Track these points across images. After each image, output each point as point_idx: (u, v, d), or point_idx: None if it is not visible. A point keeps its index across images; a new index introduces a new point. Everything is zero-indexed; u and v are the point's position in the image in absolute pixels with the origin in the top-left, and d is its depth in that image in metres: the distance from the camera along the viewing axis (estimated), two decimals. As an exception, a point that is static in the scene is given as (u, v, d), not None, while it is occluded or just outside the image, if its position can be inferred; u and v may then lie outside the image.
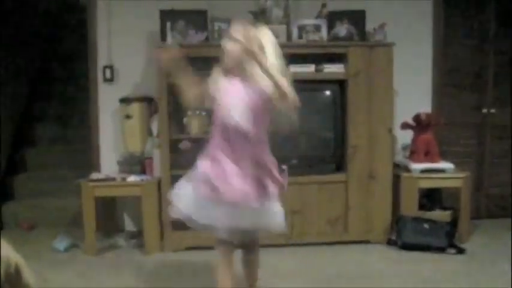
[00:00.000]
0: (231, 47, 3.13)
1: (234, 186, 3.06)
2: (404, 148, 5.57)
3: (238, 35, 3.11)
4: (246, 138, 3.10)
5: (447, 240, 4.95)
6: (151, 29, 5.33)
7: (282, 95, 2.98)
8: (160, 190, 5.01)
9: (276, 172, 3.22)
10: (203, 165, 3.20)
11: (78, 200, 5.07)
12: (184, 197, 3.27)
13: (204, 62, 5.01)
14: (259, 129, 3.14)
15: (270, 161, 3.22)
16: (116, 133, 5.58)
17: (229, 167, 3.10)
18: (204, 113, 5.05)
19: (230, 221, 3.11)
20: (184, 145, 5.13)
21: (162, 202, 5.01)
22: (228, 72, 3.20)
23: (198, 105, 3.39)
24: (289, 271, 4.49)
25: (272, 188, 3.18)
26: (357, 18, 5.22)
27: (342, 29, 5.13)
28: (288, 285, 4.14)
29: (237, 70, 3.14)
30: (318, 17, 5.29)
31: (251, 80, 3.08)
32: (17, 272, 1.34)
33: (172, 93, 5.00)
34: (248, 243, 3.44)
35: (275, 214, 3.25)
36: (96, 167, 5.59)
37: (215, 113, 3.22)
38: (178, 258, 4.86)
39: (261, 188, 3.14)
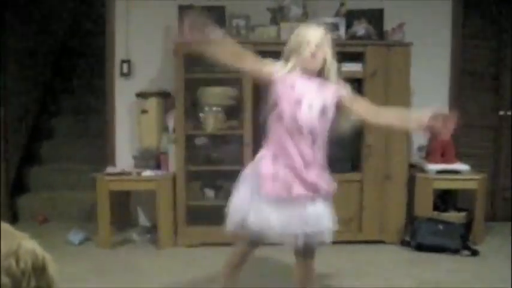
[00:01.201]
0: (319, 52, 3.06)
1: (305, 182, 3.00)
2: (420, 149, 5.56)
3: (322, 40, 3.08)
4: (312, 138, 3.03)
5: (461, 241, 4.93)
6: (169, 24, 5.35)
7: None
8: (175, 185, 5.03)
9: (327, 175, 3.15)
10: (266, 164, 3.07)
11: (93, 193, 5.09)
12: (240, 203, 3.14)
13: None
14: (324, 130, 3.09)
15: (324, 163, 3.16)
16: (131, 127, 5.60)
17: (297, 164, 3.00)
18: (220, 110, 5.06)
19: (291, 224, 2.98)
20: (200, 141, 5.15)
21: (176, 197, 5.03)
22: (303, 71, 3.09)
23: (233, 64, 3.16)
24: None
25: (324, 191, 3.11)
26: (375, 17, 5.20)
27: (360, 28, 5.11)
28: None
29: (317, 72, 3.09)
30: (336, 15, 5.28)
31: (327, 81, 3.07)
32: (44, 265, 1.35)
33: (189, 89, 5.04)
34: (306, 249, 3.16)
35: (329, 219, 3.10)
36: (112, 161, 5.62)
37: (278, 108, 3.07)
38: (192, 254, 4.87)
39: (317, 190, 3.06)
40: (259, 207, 3.00)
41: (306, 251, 3.14)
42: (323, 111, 3.02)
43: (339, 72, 3.15)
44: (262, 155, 3.12)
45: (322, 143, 3.08)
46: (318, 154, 3.07)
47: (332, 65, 3.08)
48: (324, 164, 3.15)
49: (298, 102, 3.00)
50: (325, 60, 3.07)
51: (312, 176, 3.01)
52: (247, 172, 3.17)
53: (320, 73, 3.08)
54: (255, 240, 3.19)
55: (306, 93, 3.02)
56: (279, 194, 2.96)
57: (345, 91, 3.09)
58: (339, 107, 3.08)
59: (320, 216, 3.04)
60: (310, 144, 3.02)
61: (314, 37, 3.06)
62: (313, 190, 3.02)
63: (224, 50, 3.13)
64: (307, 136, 3.00)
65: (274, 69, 3.12)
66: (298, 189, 2.97)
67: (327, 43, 3.07)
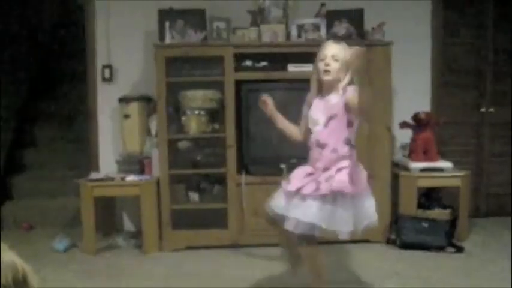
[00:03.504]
0: (332, 64, 3.34)
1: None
2: (403, 147, 5.57)
3: (338, 52, 3.36)
4: (322, 148, 3.37)
5: (446, 239, 4.95)
6: (150, 28, 5.35)
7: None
8: (159, 189, 5.02)
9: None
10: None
11: (77, 199, 5.06)
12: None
13: (202, 62, 5.06)
14: (338, 138, 3.37)
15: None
16: (114, 133, 5.58)
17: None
18: (202, 113, 5.05)
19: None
20: (183, 145, 5.15)
21: (161, 201, 5.02)
22: (321, 89, 3.44)
23: (302, 141, 3.62)
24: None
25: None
26: (355, 17, 5.21)
27: (341, 28, 5.12)
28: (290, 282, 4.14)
29: (331, 85, 3.38)
30: (316, 16, 5.30)
31: (339, 92, 3.35)
32: (24, 278, 1.34)
33: (171, 93, 5.04)
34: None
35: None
36: (95, 167, 5.59)
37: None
38: (177, 258, 4.86)
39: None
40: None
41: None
42: (328, 121, 3.36)
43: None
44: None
45: (334, 150, 3.35)
46: (331, 158, 3.37)
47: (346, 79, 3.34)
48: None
49: (308, 119, 3.48)
50: (342, 73, 3.33)
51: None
52: None
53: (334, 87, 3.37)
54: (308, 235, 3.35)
55: (314, 110, 3.45)
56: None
57: (350, 96, 3.25)
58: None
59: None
60: (320, 152, 3.39)
61: (328, 51, 3.37)
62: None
63: (291, 133, 3.68)
64: (318, 146, 3.39)
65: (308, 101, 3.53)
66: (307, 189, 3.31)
67: (342, 56, 3.32)
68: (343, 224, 3.24)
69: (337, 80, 3.33)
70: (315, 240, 3.35)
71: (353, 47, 3.20)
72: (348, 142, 3.36)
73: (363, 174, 3.42)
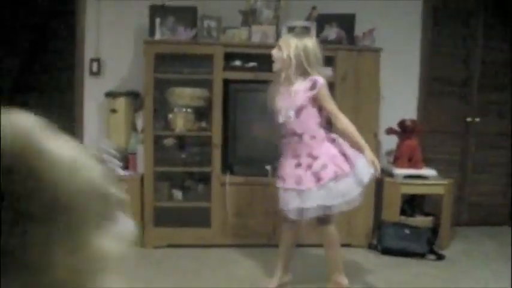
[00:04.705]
0: (277, 54, 3.70)
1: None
2: (388, 153, 5.59)
3: (281, 42, 3.73)
4: (300, 137, 3.66)
5: (427, 246, 4.97)
6: (141, 23, 5.32)
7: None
8: (143, 186, 4.99)
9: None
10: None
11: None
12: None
13: (192, 59, 5.05)
14: (308, 124, 3.66)
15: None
16: (100, 127, 5.54)
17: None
18: (189, 111, 5.04)
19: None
20: (169, 142, 5.13)
21: (144, 198, 5.00)
22: (281, 79, 3.71)
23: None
24: (270, 272, 4.48)
25: (308, 182, 3.63)
26: (346, 21, 5.22)
27: (332, 32, 5.14)
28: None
29: (288, 76, 3.66)
30: (307, 19, 5.30)
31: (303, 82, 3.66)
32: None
33: (158, 89, 5.02)
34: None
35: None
36: (79, 161, 5.54)
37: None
38: (159, 255, 4.84)
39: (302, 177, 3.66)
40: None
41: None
42: (298, 112, 3.63)
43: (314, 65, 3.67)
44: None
45: (310, 136, 3.65)
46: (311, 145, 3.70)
47: (293, 61, 3.61)
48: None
49: (279, 111, 3.72)
50: (286, 60, 3.62)
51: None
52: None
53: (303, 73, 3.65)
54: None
55: (283, 100, 3.70)
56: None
57: (317, 88, 3.62)
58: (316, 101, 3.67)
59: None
60: (295, 139, 3.69)
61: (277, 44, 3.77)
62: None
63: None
64: (290, 133, 3.68)
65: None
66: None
67: (285, 45, 3.65)
68: (353, 190, 3.62)
69: (287, 69, 3.62)
70: (333, 218, 3.79)
71: (306, 38, 3.69)
72: (322, 125, 3.69)
73: (345, 145, 3.72)
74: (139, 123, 5.24)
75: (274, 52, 3.71)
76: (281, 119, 3.69)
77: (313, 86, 3.60)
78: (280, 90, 3.73)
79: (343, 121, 3.72)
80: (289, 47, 3.61)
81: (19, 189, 0.63)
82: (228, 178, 5.02)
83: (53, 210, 0.65)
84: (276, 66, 3.73)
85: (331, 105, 3.71)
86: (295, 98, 3.62)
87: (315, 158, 3.62)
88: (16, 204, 0.62)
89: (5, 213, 0.61)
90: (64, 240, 0.66)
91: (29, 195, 0.63)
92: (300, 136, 3.64)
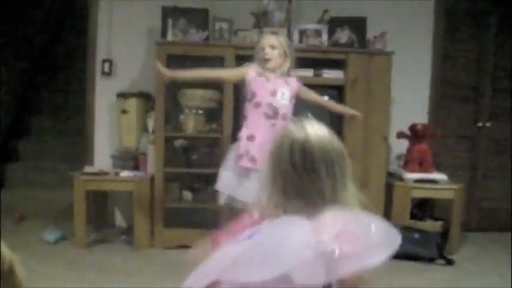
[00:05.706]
0: (273, 54, 3.96)
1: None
2: (398, 157, 5.58)
3: (274, 41, 3.97)
4: (282, 117, 3.84)
5: (437, 251, 4.95)
6: (153, 25, 5.33)
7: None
8: (153, 187, 5.01)
9: None
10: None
11: (70, 192, 5.04)
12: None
13: (203, 61, 5.05)
14: (290, 111, 3.94)
15: None
16: (111, 127, 5.57)
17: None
18: (201, 112, 5.05)
19: None
20: (180, 143, 5.15)
21: (154, 199, 5.01)
22: (266, 69, 3.96)
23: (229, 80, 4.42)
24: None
25: None
26: (358, 25, 5.22)
27: (343, 35, 5.14)
28: None
29: (278, 67, 3.97)
30: (319, 22, 5.30)
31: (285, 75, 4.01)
32: (11, 269, 1.31)
33: (170, 90, 5.03)
34: None
35: None
36: (90, 160, 5.58)
37: (252, 96, 3.91)
38: (168, 256, 4.85)
39: None
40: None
41: None
42: (290, 99, 3.94)
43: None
44: (239, 136, 3.93)
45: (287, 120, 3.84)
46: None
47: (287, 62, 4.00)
48: None
49: (273, 93, 3.88)
50: (282, 60, 3.96)
51: None
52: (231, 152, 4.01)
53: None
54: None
55: (278, 85, 3.91)
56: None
57: (301, 84, 4.07)
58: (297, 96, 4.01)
59: None
60: (278, 120, 3.84)
61: (266, 41, 3.97)
62: None
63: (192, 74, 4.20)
64: (275, 115, 3.86)
65: (245, 71, 4.01)
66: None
67: (280, 46, 3.96)
68: None
69: (278, 65, 3.95)
70: None
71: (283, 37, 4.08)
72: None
73: None
74: (150, 124, 5.25)
75: (269, 51, 3.93)
76: (272, 99, 3.88)
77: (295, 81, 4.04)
78: (265, 75, 3.96)
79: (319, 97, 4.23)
80: (282, 45, 3.96)
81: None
82: (237, 180, 5.01)
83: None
84: (272, 64, 3.95)
85: (313, 94, 4.14)
86: (291, 87, 3.97)
87: None
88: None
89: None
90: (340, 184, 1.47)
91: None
92: (286, 119, 3.82)
